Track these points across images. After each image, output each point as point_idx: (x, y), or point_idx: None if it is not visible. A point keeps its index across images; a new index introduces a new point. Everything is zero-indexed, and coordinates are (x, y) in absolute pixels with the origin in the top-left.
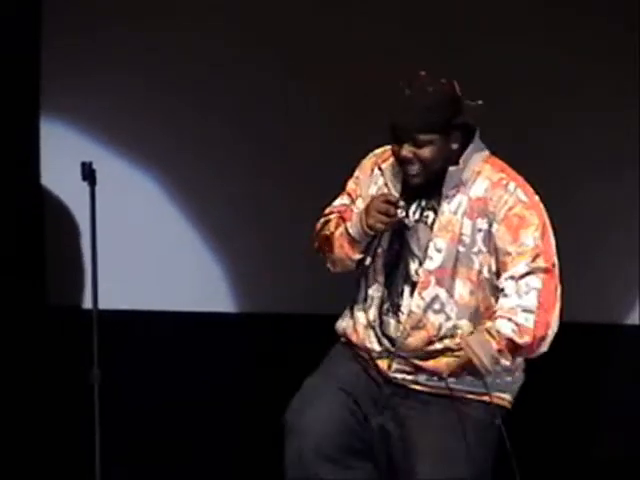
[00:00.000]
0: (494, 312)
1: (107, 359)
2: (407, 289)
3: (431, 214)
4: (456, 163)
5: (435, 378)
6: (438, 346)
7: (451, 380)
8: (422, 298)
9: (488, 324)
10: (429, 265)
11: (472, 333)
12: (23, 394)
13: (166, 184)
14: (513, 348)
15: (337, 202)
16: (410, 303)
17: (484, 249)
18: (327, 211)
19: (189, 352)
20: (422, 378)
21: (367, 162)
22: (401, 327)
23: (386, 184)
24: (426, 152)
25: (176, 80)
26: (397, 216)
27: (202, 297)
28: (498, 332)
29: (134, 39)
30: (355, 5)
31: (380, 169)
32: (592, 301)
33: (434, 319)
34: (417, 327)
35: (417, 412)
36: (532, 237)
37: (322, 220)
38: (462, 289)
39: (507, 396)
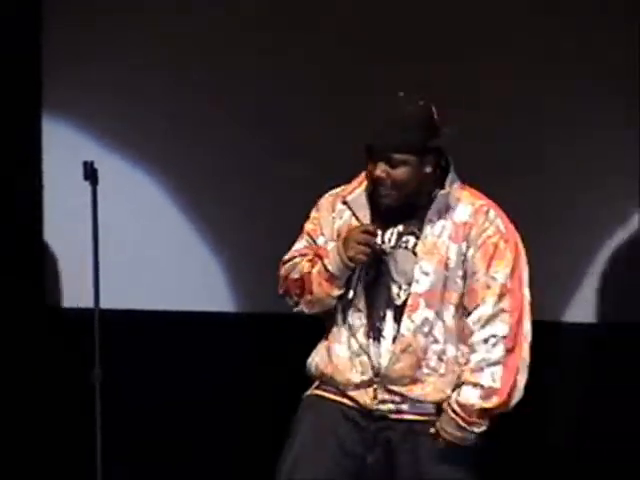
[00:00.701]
0: (463, 370)
1: (108, 359)
2: (390, 314)
3: (411, 238)
4: (428, 187)
5: (418, 405)
6: (425, 370)
7: (430, 406)
8: (412, 321)
9: (453, 395)
10: (417, 288)
11: (441, 412)
12: (24, 394)
13: (167, 184)
14: (484, 413)
15: (298, 246)
16: (395, 327)
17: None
18: (289, 256)
19: (190, 352)
20: (405, 407)
21: (324, 201)
22: (389, 352)
23: (354, 215)
24: (399, 173)
25: (178, 79)
26: (377, 245)
27: (202, 297)
28: (462, 406)
29: (137, 37)
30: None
31: (345, 203)
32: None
33: (423, 342)
34: (406, 351)
35: (407, 444)
36: (503, 273)
37: (287, 265)
38: (449, 313)
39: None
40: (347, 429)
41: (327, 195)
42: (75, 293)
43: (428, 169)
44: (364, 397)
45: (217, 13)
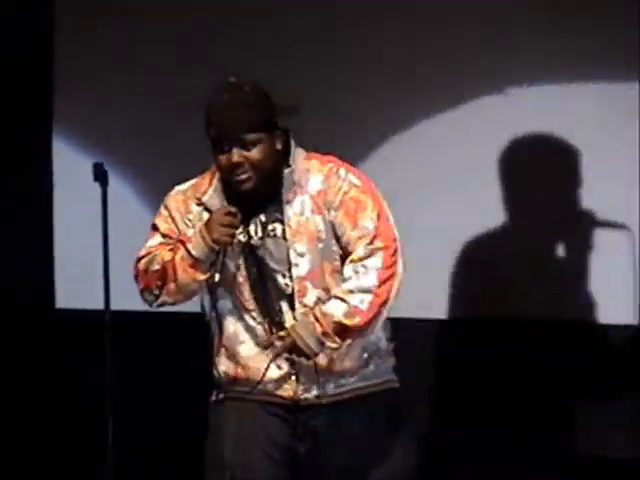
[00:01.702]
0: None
1: (117, 360)
2: (284, 304)
3: (277, 225)
4: (280, 166)
5: (342, 381)
6: (331, 344)
7: (353, 379)
8: (305, 305)
9: (317, 307)
10: (298, 272)
11: (303, 314)
12: (34, 396)
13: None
14: (342, 330)
15: (152, 242)
16: (293, 315)
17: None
18: (144, 252)
19: (197, 352)
20: (330, 388)
21: (173, 200)
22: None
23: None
24: (255, 153)
25: (184, 84)
26: (239, 226)
27: None
28: (324, 315)
29: (146, 42)
30: None
31: (201, 203)
32: None
33: None
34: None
35: (333, 427)
36: (370, 220)
37: (144, 260)
38: (333, 283)
39: (395, 377)
40: (274, 424)
41: (174, 193)
42: (84, 295)
43: (279, 146)
44: (288, 391)
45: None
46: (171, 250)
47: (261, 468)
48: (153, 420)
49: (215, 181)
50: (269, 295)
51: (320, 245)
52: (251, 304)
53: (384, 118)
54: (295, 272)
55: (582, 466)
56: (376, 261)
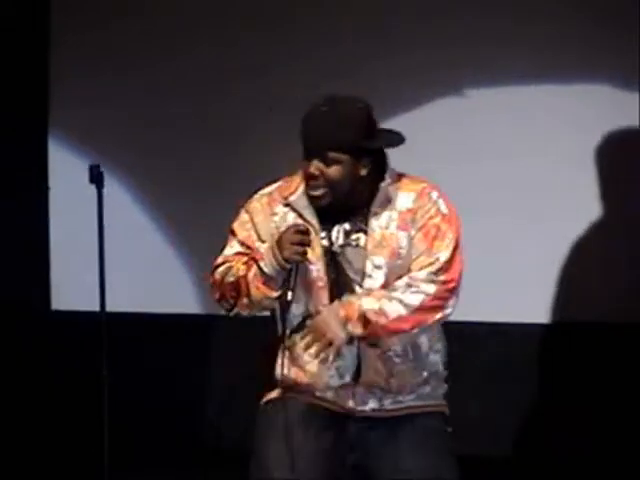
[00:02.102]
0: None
1: (113, 362)
2: None
3: (361, 235)
4: (365, 188)
5: (400, 398)
6: (396, 360)
7: (410, 397)
8: None
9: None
10: (372, 283)
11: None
12: (30, 397)
13: (173, 185)
14: (364, 322)
15: (229, 251)
16: None
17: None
18: (220, 260)
19: (193, 353)
20: (387, 403)
21: (257, 204)
22: (357, 347)
23: (300, 216)
24: (333, 171)
25: (179, 87)
26: (311, 244)
27: (205, 299)
28: (351, 303)
29: (141, 44)
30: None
31: (287, 204)
32: None
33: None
34: (375, 346)
35: (389, 443)
36: (444, 251)
37: (221, 269)
38: None
39: (446, 404)
40: (325, 432)
41: (258, 196)
42: (79, 296)
43: (364, 172)
44: (345, 400)
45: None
46: (245, 264)
47: (306, 473)
48: (149, 422)
49: (303, 185)
50: None
51: (399, 262)
52: None
53: None
54: (368, 283)
55: None
56: (430, 288)
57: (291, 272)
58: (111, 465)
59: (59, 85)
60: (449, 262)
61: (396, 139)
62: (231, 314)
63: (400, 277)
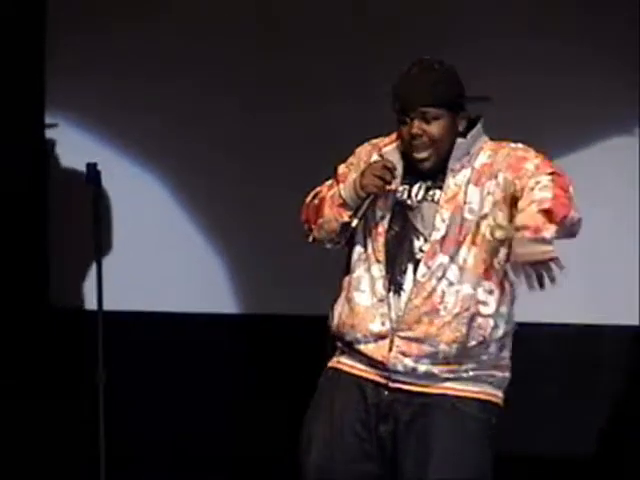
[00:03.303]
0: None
1: (110, 360)
2: (410, 267)
3: (438, 191)
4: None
5: (435, 370)
6: (442, 312)
7: (449, 376)
8: (428, 267)
9: (509, 224)
10: (435, 235)
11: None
12: (27, 394)
13: (170, 184)
14: (546, 215)
15: (327, 183)
16: (414, 278)
17: (491, 210)
18: (318, 189)
19: (192, 353)
20: (422, 370)
21: (362, 150)
22: (405, 299)
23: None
24: (434, 128)
25: (180, 81)
26: (392, 184)
27: (206, 298)
28: (523, 222)
29: (140, 38)
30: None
31: (381, 155)
32: None
33: (438, 286)
34: (420, 295)
35: (421, 417)
36: (532, 163)
37: (313, 193)
38: (466, 254)
39: (499, 393)
40: (362, 403)
41: (366, 144)
42: (77, 295)
43: (461, 127)
44: (381, 350)
45: (231, 15)
46: (330, 188)
47: (344, 444)
48: (146, 419)
49: (398, 141)
50: (401, 254)
51: (467, 215)
52: (381, 255)
53: None
54: (433, 236)
55: None
56: (546, 179)
57: (364, 202)
58: (106, 461)
59: (56, 82)
60: (541, 162)
61: (484, 97)
62: (310, 239)
63: (460, 230)
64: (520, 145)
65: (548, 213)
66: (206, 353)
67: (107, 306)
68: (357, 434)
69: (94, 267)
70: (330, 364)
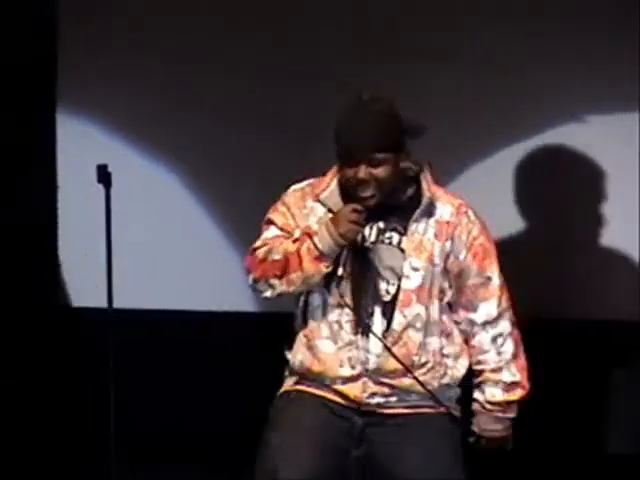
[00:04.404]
0: (481, 370)
1: (120, 358)
2: (378, 309)
3: (395, 235)
4: (404, 184)
5: (407, 397)
6: (415, 363)
7: (416, 397)
8: (404, 316)
9: (479, 397)
10: (408, 284)
11: (476, 414)
12: (36, 393)
13: (181, 182)
14: (511, 403)
15: (268, 234)
16: (384, 322)
17: (445, 271)
18: (260, 243)
19: (202, 351)
20: (393, 400)
21: (291, 197)
22: (380, 347)
23: (330, 211)
24: (382, 172)
25: (192, 79)
26: (365, 225)
27: (216, 296)
28: (492, 403)
29: (153, 34)
30: None
31: (318, 200)
32: None
33: (414, 337)
34: (397, 345)
35: (394, 438)
36: (496, 274)
37: (262, 249)
38: (434, 307)
39: (458, 407)
40: (333, 423)
41: (292, 190)
42: (88, 292)
43: (403, 165)
44: (353, 391)
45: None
46: (295, 242)
47: (309, 463)
48: (155, 418)
49: (333, 184)
50: (365, 297)
51: (432, 269)
52: (348, 299)
53: None
54: (405, 284)
55: None
56: (506, 325)
57: (342, 250)
58: (116, 460)
59: (68, 82)
60: (503, 285)
61: (420, 127)
62: (269, 295)
63: (431, 281)
64: (478, 223)
65: (512, 402)
66: (216, 351)
67: (117, 304)
68: (328, 452)
69: (103, 264)
70: (287, 388)
